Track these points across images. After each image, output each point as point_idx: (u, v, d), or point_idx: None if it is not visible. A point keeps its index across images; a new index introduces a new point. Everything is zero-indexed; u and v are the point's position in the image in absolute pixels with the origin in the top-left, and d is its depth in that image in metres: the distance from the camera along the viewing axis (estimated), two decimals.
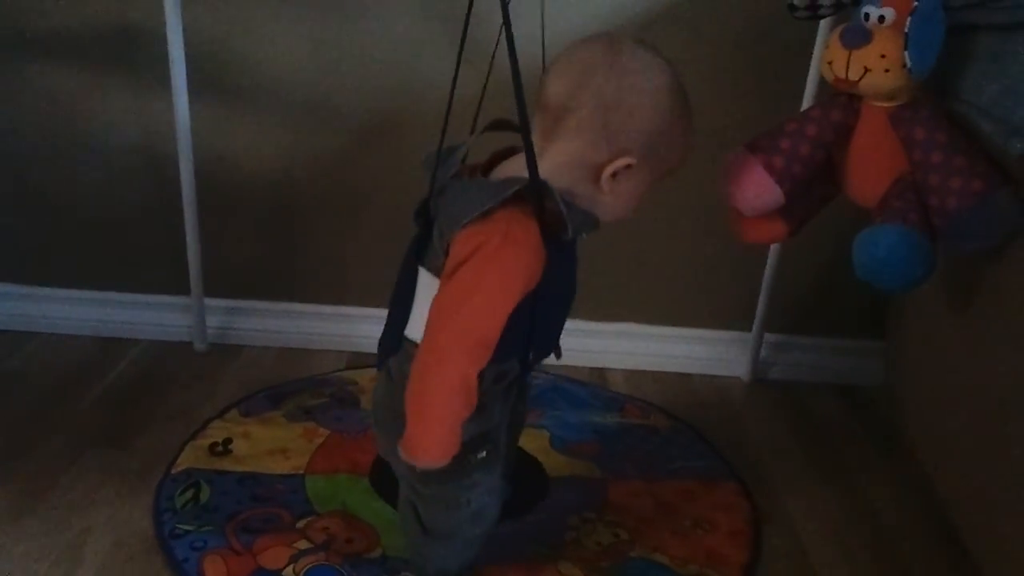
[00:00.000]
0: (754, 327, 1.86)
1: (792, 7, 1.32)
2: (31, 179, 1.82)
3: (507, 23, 0.90)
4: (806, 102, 1.59)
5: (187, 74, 1.65)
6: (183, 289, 1.85)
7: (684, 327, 1.91)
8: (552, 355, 1.09)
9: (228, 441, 1.55)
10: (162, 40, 1.62)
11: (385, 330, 1.06)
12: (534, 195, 0.90)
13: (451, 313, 0.89)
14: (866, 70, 1.19)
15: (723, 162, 1.30)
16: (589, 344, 1.89)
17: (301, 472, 1.47)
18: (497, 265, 0.88)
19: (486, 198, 0.90)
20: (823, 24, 1.52)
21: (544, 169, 0.92)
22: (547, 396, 1.75)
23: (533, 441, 1.57)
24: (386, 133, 1.73)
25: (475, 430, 1.03)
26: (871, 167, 1.27)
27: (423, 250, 0.98)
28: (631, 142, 0.95)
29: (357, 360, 1.85)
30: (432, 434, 0.93)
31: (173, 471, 1.47)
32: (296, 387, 1.74)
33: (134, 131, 1.77)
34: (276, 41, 1.69)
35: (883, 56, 1.17)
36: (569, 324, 1.74)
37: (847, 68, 1.20)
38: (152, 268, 1.89)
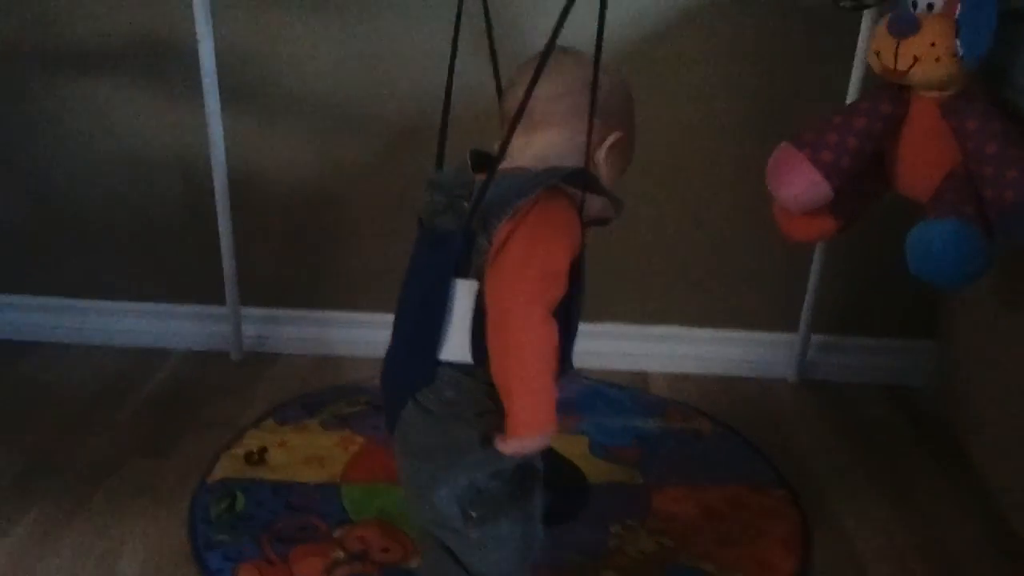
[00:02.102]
0: (800, 327, 1.81)
1: None
2: (65, 192, 1.82)
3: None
4: (851, 94, 1.54)
5: (219, 85, 1.65)
6: (219, 299, 1.84)
7: (727, 328, 1.87)
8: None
9: (263, 450, 1.53)
10: (194, 52, 1.62)
11: (398, 369, 0.98)
12: (582, 180, 0.91)
13: (521, 268, 0.87)
14: (916, 59, 1.15)
15: (768, 158, 1.26)
16: (630, 347, 1.86)
17: (336, 481, 1.45)
18: (550, 221, 0.89)
19: (533, 186, 0.89)
20: (868, 13, 1.47)
21: (543, 156, 0.94)
22: (586, 400, 1.71)
23: (572, 446, 1.53)
24: (420, 140, 1.62)
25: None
26: (922, 160, 1.23)
27: (458, 266, 0.93)
28: (613, 116, 0.97)
29: None
30: (541, 397, 0.87)
31: (209, 481, 1.45)
32: (332, 395, 1.72)
33: (168, 142, 1.76)
34: (308, 52, 1.68)
35: (933, 44, 1.14)
36: (610, 327, 1.73)
37: (895, 58, 1.17)
38: (188, 278, 1.89)
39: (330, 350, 1.89)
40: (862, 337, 1.87)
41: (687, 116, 1.67)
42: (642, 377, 1.85)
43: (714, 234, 1.78)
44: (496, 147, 0.91)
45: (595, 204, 0.95)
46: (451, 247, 0.91)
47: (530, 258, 0.87)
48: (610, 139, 0.97)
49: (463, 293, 0.91)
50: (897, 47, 1.16)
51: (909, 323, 1.82)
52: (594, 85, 0.89)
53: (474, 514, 0.96)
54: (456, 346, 0.92)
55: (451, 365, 0.92)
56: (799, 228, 1.32)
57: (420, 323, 0.94)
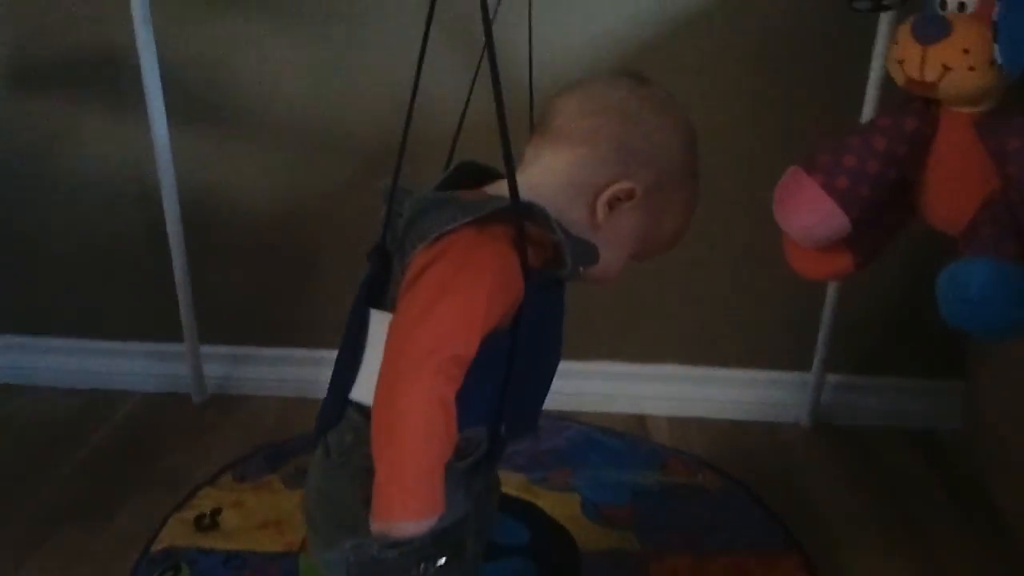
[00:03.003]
0: (814, 367, 1.67)
1: None
2: (4, 221, 1.73)
3: (490, 43, 0.72)
4: (868, 110, 1.41)
5: (168, 103, 1.54)
6: (176, 335, 1.71)
7: (734, 368, 1.74)
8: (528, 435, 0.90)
9: (217, 512, 1.38)
10: (137, 64, 1.50)
11: (326, 399, 0.86)
12: (516, 215, 0.75)
13: (417, 321, 0.72)
14: (946, 69, 1.01)
15: (776, 184, 1.13)
16: (627, 388, 1.73)
17: (295, 550, 1.30)
18: (471, 262, 0.74)
19: (461, 214, 0.76)
20: (886, 15, 1.34)
21: (532, 183, 0.80)
22: (579, 450, 1.57)
23: (562, 507, 1.39)
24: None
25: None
26: (954, 186, 1.10)
27: (376, 293, 0.83)
28: (641, 166, 0.84)
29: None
30: (410, 477, 0.71)
31: (153, 550, 1.31)
32: (297, 445, 1.57)
33: (116, 167, 1.66)
34: (270, 61, 1.56)
35: (966, 51, 0.99)
36: (604, 366, 1.64)
37: (922, 67, 1.03)
38: (143, 313, 1.77)
39: (301, 391, 1.75)
40: (882, 377, 1.73)
41: None
42: (640, 421, 1.71)
43: (719, 262, 1.65)
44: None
45: (575, 246, 0.80)
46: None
47: (433, 304, 0.72)
48: (613, 188, 0.83)
49: (377, 325, 0.80)
50: (923, 55, 1.02)
51: (933, 362, 1.69)
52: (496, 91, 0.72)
53: None
54: (365, 385, 0.80)
55: (359, 407, 0.81)
56: (812, 265, 1.18)
57: (343, 356, 0.84)
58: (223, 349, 1.77)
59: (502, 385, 0.78)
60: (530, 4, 1.16)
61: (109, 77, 1.58)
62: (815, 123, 1.47)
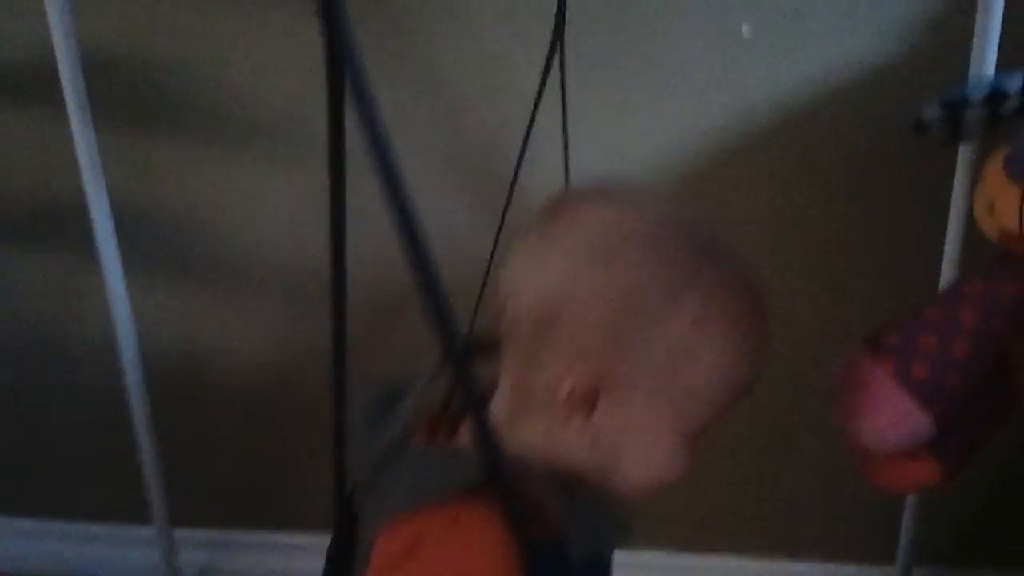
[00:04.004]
0: (898, 559, 1.44)
1: (920, 125, 0.94)
2: None
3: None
4: (947, 271, 1.19)
5: (123, 253, 1.40)
6: (145, 517, 1.56)
7: (802, 559, 1.55)
8: None
9: None
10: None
11: None
12: (496, 486, 0.58)
13: None
14: None
15: (834, 371, 0.91)
16: None
17: None
18: (434, 565, 0.61)
19: (431, 481, 0.63)
20: (967, 147, 1.12)
21: (507, 412, 0.67)
22: None
23: None
24: (399, 315, 1.43)
25: None
26: None
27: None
28: (601, 342, 0.63)
29: None
30: None
31: None
32: None
33: (68, 319, 1.54)
34: (254, 207, 1.44)
35: None
36: (648, 558, 1.55)
37: (1021, 215, 0.84)
38: (106, 491, 1.63)
39: None
40: (979, 569, 1.53)
41: None
42: None
43: (781, 434, 1.47)
44: None
45: (580, 516, 0.63)
46: None
47: None
48: (566, 384, 0.63)
49: None
50: (1023, 198, 0.83)
51: None
52: None
53: None
54: None
55: None
56: (889, 474, 0.98)
57: None
58: (200, 533, 1.62)
59: None
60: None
61: (56, 231, 1.49)
62: (881, 290, 1.31)
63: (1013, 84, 0.86)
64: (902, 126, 0.99)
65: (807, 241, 1.35)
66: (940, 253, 1.22)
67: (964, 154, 1.12)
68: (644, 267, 0.62)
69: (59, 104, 1.30)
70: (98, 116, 1.31)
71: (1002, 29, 1.01)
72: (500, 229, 0.89)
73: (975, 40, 1.03)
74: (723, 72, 1.25)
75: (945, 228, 1.21)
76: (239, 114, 1.37)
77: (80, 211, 1.39)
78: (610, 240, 0.62)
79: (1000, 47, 1.03)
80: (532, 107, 0.96)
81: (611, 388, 0.63)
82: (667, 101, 1.28)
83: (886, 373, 0.85)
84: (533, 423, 0.66)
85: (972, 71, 1.04)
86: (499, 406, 0.68)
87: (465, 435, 0.68)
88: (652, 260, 0.62)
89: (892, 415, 0.85)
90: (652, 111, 1.29)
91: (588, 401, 0.63)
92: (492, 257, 0.88)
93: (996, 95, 0.87)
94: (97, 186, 1.34)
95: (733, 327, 0.63)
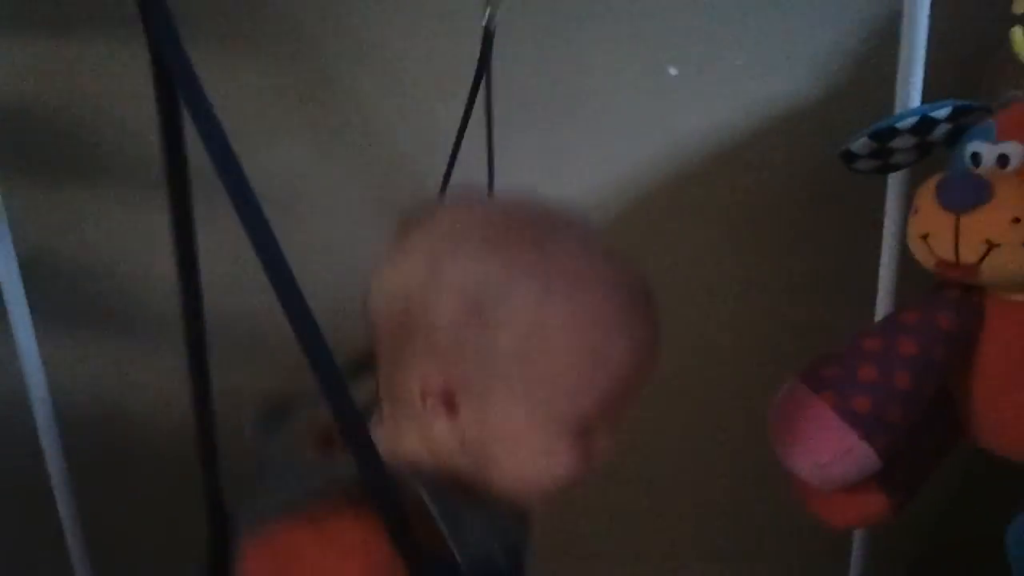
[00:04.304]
0: None
1: (849, 156, 0.92)
2: None
3: None
4: (882, 301, 1.14)
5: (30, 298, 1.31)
6: None
7: None
8: None
9: None
10: None
11: None
12: (369, 492, 0.54)
13: None
14: (991, 245, 0.77)
15: (772, 405, 0.87)
16: None
17: None
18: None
19: (303, 490, 0.60)
20: (897, 177, 1.08)
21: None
22: None
23: None
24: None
25: None
26: (1013, 397, 0.84)
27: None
28: (458, 345, 0.59)
29: None
30: None
31: None
32: None
33: None
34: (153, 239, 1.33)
35: (1017, 220, 0.76)
36: None
37: (956, 244, 0.80)
38: (27, 555, 1.55)
39: None
40: None
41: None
42: None
43: (719, 494, 1.41)
44: None
45: (467, 521, 0.59)
46: None
47: None
48: (416, 387, 0.61)
49: None
50: (957, 227, 0.79)
51: None
52: None
53: None
54: None
55: None
56: (833, 509, 0.92)
57: None
58: None
59: None
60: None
61: None
62: (814, 320, 1.27)
63: (941, 111, 0.84)
64: (830, 160, 0.97)
65: (741, 273, 1.31)
66: (875, 283, 1.18)
67: (894, 184, 1.10)
68: (478, 260, 0.59)
69: None
70: None
71: (925, 62, 1.00)
72: None
73: (899, 73, 1.02)
74: (651, 109, 1.23)
75: (879, 256, 1.17)
76: (138, 152, 1.31)
77: None
78: (447, 239, 0.60)
79: (924, 82, 1.01)
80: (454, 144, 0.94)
81: (465, 386, 0.59)
82: (596, 138, 1.25)
83: (826, 406, 0.81)
84: (409, 429, 0.63)
85: (897, 105, 1.03)
86: (383, 413, 0.65)
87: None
88: (486, 252, 0.59)
89: (835, 450, 0.80)
90: (581, 148, 1.26)
91: (447, 402, 0.60)
92: None
93: (925, 122, 0.85)
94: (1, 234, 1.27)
95: (585, 309, 0.59)
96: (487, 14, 0.96)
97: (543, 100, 1.22)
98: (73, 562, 1.44)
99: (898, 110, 1.00)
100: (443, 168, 1.01)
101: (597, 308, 0.59)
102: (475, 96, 0.97)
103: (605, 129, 1.24)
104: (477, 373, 0.59)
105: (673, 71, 1.22)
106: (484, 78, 0.98)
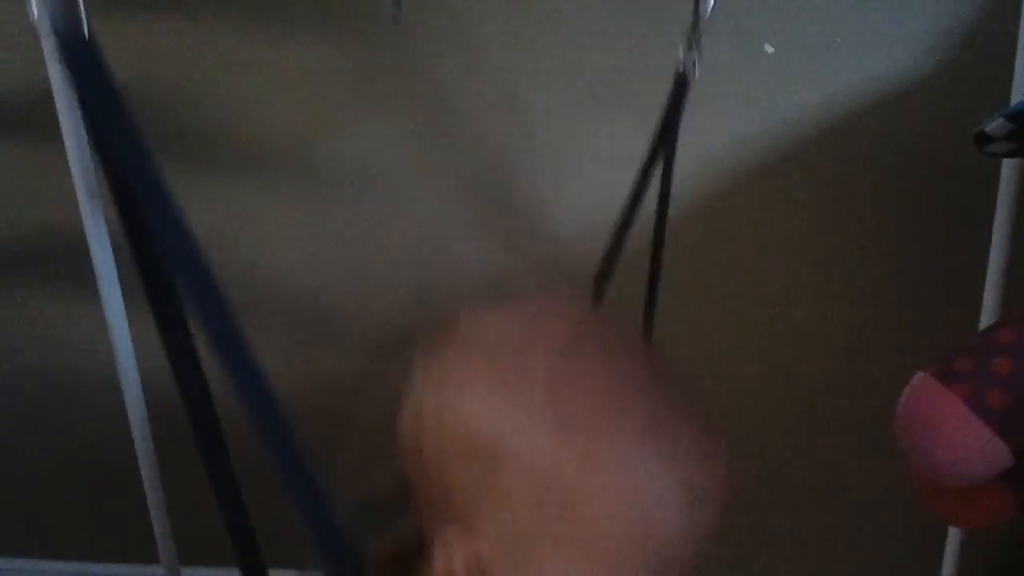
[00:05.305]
0: None
1: (983, 137, 0.88)
2: None
3: None
4: (990, 289, 1.12)
5: (122, 280, 1.33)
6: (152, 556, 1.50)
7: None
8: None
9: None
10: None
11: None
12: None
13: None
14: None
15: (900, 401, 0.84)
16: None
17: None
18: None
19: None
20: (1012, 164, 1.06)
21: None
22: None
23: None
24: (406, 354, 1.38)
25: None
26: None
27: None
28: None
29: None
30: None
31: None
32: None
33: (67, 359, 1.51)
34: (259, 236, 1.39)
35: None
36: None
37: None
38: (112, 530, 1.61)
39: None
40: None
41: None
42: None
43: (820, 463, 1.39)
44: None
45: None
46: None
47: None
48: (439, 563, 0.53)
49: None
50: None
51: None
52: None
53: None
54: None
55: None
56: (962, 508, 0.90)
57: None
58: (204, 572, 1.59)
59: None
60: None
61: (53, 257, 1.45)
62: (930, 316, 1.24)
63: None
64: (941, 139, 0.95)
65: (848, 255, 1.31)
66: (983, 269, 1.17)
67: (1008, 168, 1.07)
68: (486, 406, 0.53)
69: (56, 134, 1.25)
70: None
71: None
72: None
73: (1019, 51, 0.99)
74: (748, 88, 1.22)
75: (988, 242, 1.16)
76: (246, 138, 1.34)
77: (79, 242, 1.33)
78: (453, 382, 0.55)
79: None
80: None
81: (494, 553, 0.52)
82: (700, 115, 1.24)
83: (959, 401, 0.79)
84: None
85: (1016, 84, 1.00)
86: None
87: None
88: (494, 398, 0.53)
89: (969, 447, 0.78)
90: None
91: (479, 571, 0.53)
92: None
93: None
94: (96, 216, 1.30)
95: (619, 454, 0.50)
96: (681, 57, 0.91)
97: (640, 76, 1.21)
98: (157, 537, 1.48)
99: (1016, 89, 0.97)
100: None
101: (633, 453, 0.51)
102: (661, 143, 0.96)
103: (706, 107, 1.22)
104: (503, 534, 0.52)
105: (769, 49, 1.19)
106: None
